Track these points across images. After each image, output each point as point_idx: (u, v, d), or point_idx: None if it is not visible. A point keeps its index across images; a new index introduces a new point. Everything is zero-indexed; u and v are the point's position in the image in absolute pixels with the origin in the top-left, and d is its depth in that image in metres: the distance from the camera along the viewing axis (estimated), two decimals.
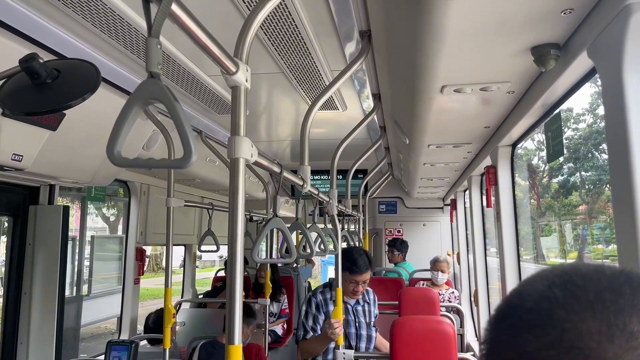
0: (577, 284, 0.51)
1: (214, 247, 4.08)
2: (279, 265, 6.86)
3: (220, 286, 5.00)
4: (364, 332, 3.11)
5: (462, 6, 1.29)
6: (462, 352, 4.11)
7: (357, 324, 3.14)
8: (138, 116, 0.92)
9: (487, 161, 3.09)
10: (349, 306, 3.11)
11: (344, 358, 2.70)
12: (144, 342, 3.82)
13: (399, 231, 6.96)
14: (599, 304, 0.49)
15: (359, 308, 3.16)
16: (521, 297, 0.55)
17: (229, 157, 1.18)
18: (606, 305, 0.48)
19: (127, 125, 0.91)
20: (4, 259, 2.74)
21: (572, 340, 0.47)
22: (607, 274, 0.52)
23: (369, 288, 3.20)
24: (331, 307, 3.00)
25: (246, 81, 1.19)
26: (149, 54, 0.85)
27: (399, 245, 5.97)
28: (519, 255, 2.79)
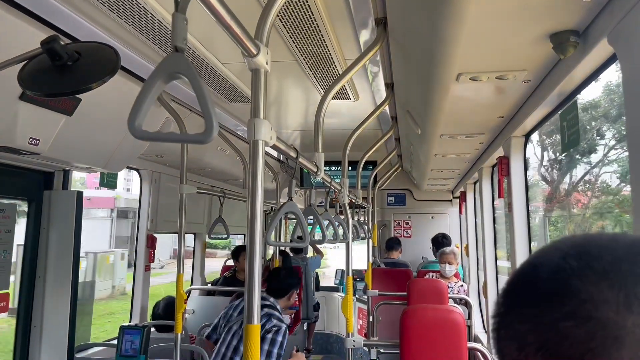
0: (592, 254, 0.50)
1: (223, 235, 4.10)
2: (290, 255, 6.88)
3: (230, 276, 4.99)
4: None
5: None
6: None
7: None
8: (161, 90, 0.92)
9: (499, 152, 3.07)
10: None
11: (354, 345, 2.71)
12: (152, 329, 3.85)
13: (407, 223, 6.96)
14: (616, 273, 0.48)
15: None
16: (536, 268, 0.53)
17: (248, 139, 1.18)
18: (623, 275, 0.48)
19: (149, 98, 0.90)
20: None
21: (590, 310, 0.47)
22: (622, 243, 0.52)
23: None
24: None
25: (267, 64, 1.20)
26: (175, 28, 0.85)
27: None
28: (530, 246, 2.78)
